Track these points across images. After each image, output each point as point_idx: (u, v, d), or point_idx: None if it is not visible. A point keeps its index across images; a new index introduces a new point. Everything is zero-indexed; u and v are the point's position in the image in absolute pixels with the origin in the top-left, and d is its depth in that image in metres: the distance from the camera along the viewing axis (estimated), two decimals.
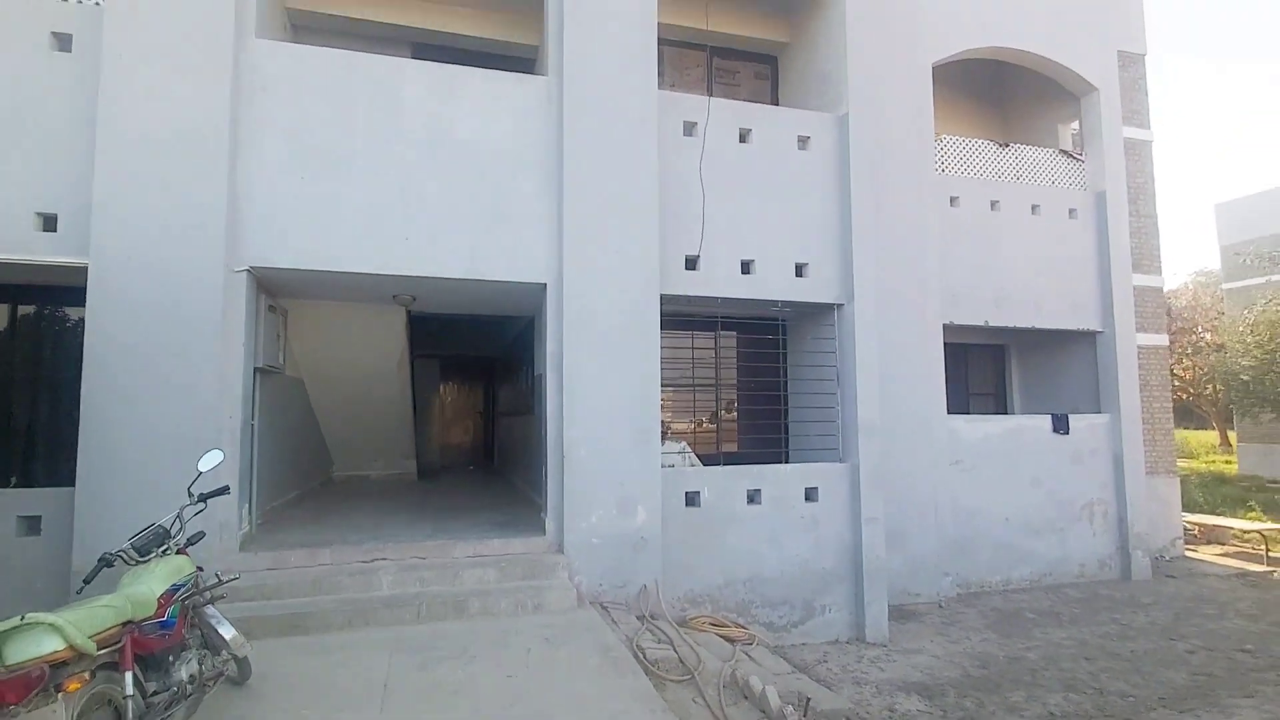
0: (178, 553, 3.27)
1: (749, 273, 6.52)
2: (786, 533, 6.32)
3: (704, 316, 6.95)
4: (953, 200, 8.46)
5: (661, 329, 5.92)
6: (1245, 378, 16.36)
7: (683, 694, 3.99)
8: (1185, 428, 31.84)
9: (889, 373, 7.18)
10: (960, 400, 9.99)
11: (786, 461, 7.04)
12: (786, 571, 6.31)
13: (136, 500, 4.52)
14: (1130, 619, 7.08)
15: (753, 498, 6.27)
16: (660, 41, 6.39)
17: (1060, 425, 8.61)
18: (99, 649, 2.38)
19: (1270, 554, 9.87)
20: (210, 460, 3.57)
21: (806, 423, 7.19)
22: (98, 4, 5.15)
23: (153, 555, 3.14)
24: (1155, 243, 10.52)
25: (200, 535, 3.52)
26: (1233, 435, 22.83)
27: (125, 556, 3.08)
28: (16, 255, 4.82)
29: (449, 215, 5.52)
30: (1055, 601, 7.72)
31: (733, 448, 7.78)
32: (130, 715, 2.48)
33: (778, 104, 8.27)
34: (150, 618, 2.79)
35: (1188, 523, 11.15)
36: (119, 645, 2.52)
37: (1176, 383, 26.34)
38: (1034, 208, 8.84)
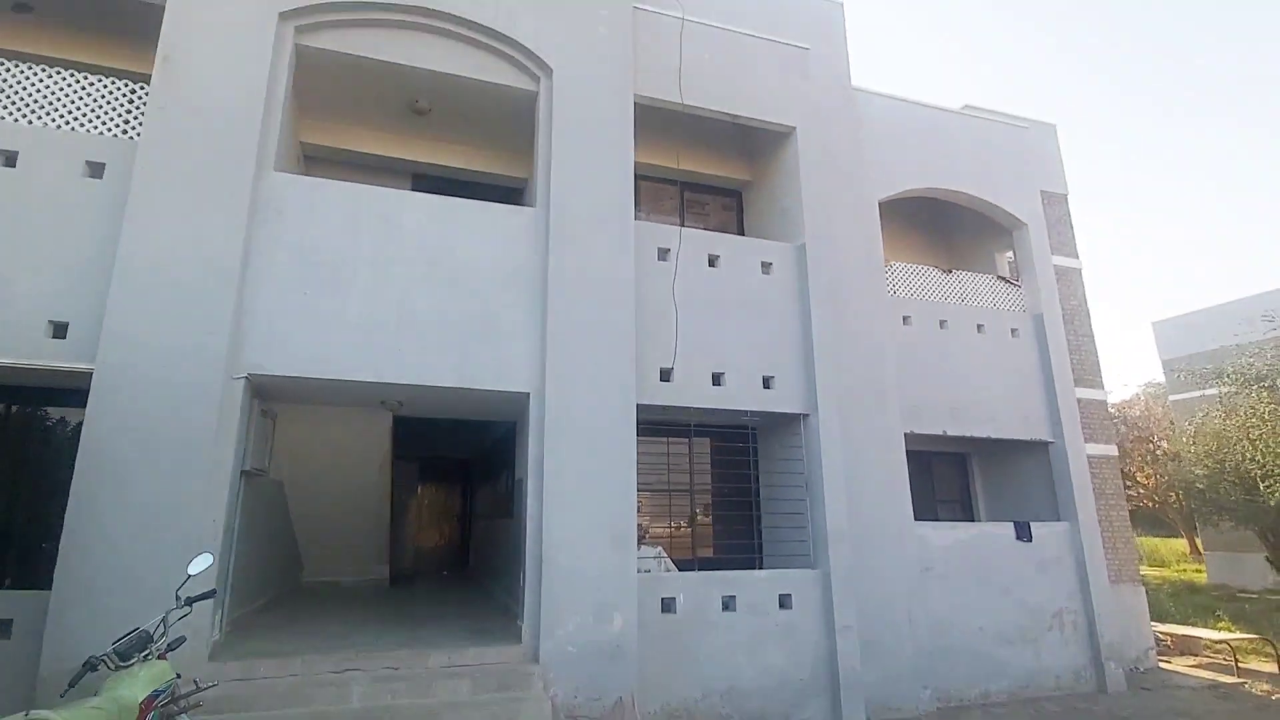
0: (159, 658, 3.32)
1: (720, 384, 6.96)
2: (762, 641, 6.36)
3: (679, 424, 7.31)
4: (905, 319, 9.18)
5: (638, 435, 6.24)
6: (1200, 486, 16.91)
7: None
8: (1156, 535, 32.20)
9: (856, 480, 7.51)
10: (928, 507, 10.27)
11: (761, 567, 7.17)
12: (763, 684, 6.28)
13: (114, 605, 4.52)
14: None
15: (728, 604, 6.35)
16: (637, 177, 7.19)
17: (1023, 533, 8.90)
18: None
19: (1240, 665, 9.94)
20: (200, 564, 3.69)
21: (779, 528, 7.39)
22: (132, 138, 5.73)
23: (134, 660, 3.19)
24: (1095, 359, 11.37)
25: (181, 640, 3.57)
26: (1201, 543, 23.18)
27: (108, 661, 3.13)
28: (25, 360, 5.06)
29: (441, 329, 5.94)
30: (1035, 716, 7.66)
31: (708, 552, 7.89)
32: None
33: (744, 231, 9.12)
34: None
35: (1160, 633, 11.23)
36: None
37: (1141, 490, 26.98)
38: (979, 327, 9.62)
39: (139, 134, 5.68)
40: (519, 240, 6.41)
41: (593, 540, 5.78)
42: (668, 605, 6.16)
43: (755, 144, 8.75)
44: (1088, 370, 11.18)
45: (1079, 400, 10.22)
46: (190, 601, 3.57)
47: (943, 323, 9.46)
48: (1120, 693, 8.58)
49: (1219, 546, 19.85)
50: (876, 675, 7.17)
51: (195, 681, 3.47)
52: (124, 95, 5.83)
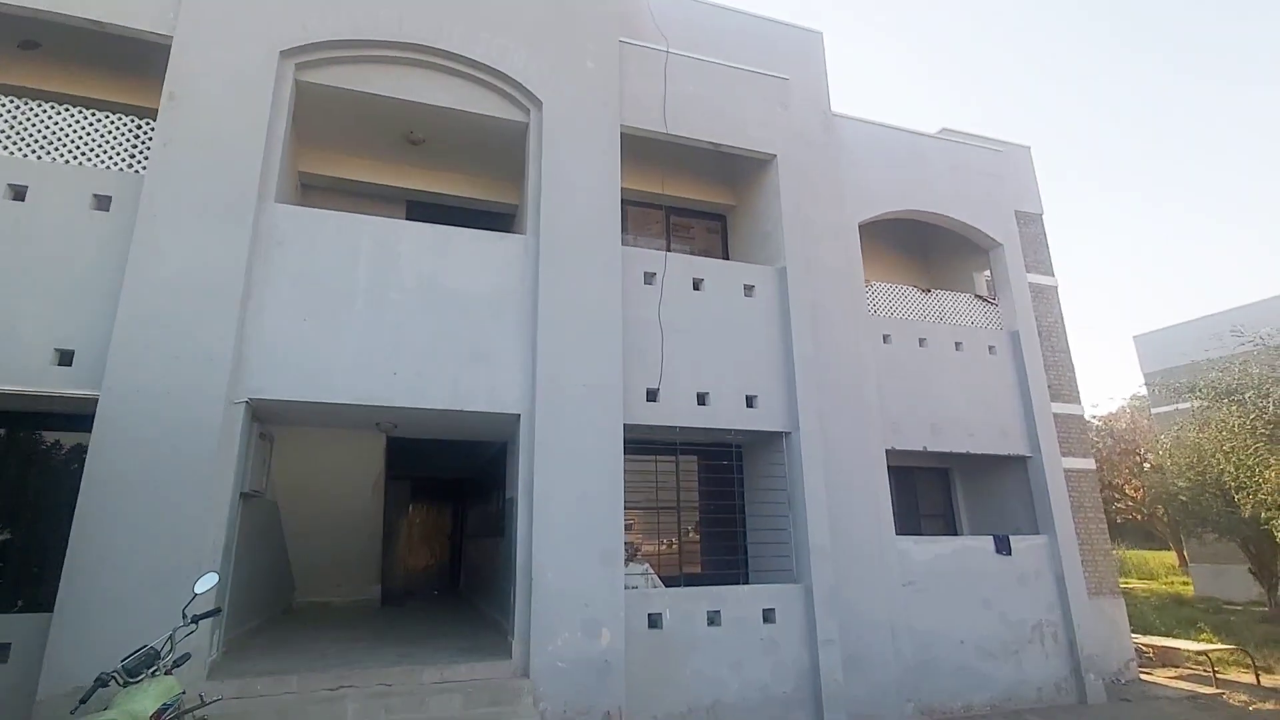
0: (166, 674, 3.48)
1: (705, 404, 7.20)
2: (747, 656, 6.53)
3: (666, 442, 7.52)
4: (885, 338, 9.46)
5: (626, 453, 6.45)
6: (1183, 499, 17.15)
7: None
8: (1146, 548, 32.46)
9: (838, 496, 7.74)
10: (912, 522, 10.50)
11: (746, 582, 7.35)
12: (748, 698, 6.44)
13: (114, 626, 4.66)
14: None
15: (713, 619, 6.53)
16: (624, 202, 7.47)
17: (1002, 546, 9.12)
18: None
19: (1219, 676, 10.16)
20: (206, 583, 3.86)
21: (764, 544, 7.59)
22: (137, 172, 5.96)
23: (143, 676, 3.36)
24: (1071, 374, 11.69)
25: (187, 657, 3.73)
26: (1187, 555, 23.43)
27: (118, 677, 3.29)
28: (31, 387, 5.23)
29: (434, 353, 6.16)
30: None
31: (695, 568, 8.06)
32: None
33: (728, 254, 9.42)
34: None
35: (1141, 645, 11.44)
36: None
37: (1130, 503, 27.26)
38: (958, 345, 9.91)
39: (144, 168, 5.91)
40: (510, 267, 6.65)
41: (581, 558, 5.96)
42: (654, 621, 6.33)
43: (738, 170, 9.07)
44: (1064, 385, 11.49)
45: (1056, 415, 10.51)
46: (197, 619, 3.74)
47: (922, 341, 9.75)
48: (1100, 704, 8.77)
49: (1204, 559, 20.12)
50: (860, 688, 7.34)
51: (200, 696, 3.64)
52: (130, 131, 6.06)
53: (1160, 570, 28.50)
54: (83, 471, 5.01)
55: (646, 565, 7.30)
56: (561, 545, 5.94)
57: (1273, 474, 11.01)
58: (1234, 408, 11.34)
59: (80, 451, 6.19)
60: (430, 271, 6.37)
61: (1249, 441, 11.06)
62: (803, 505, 7.15)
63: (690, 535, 8.37)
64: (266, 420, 6.50)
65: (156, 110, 5.97)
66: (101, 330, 5.35)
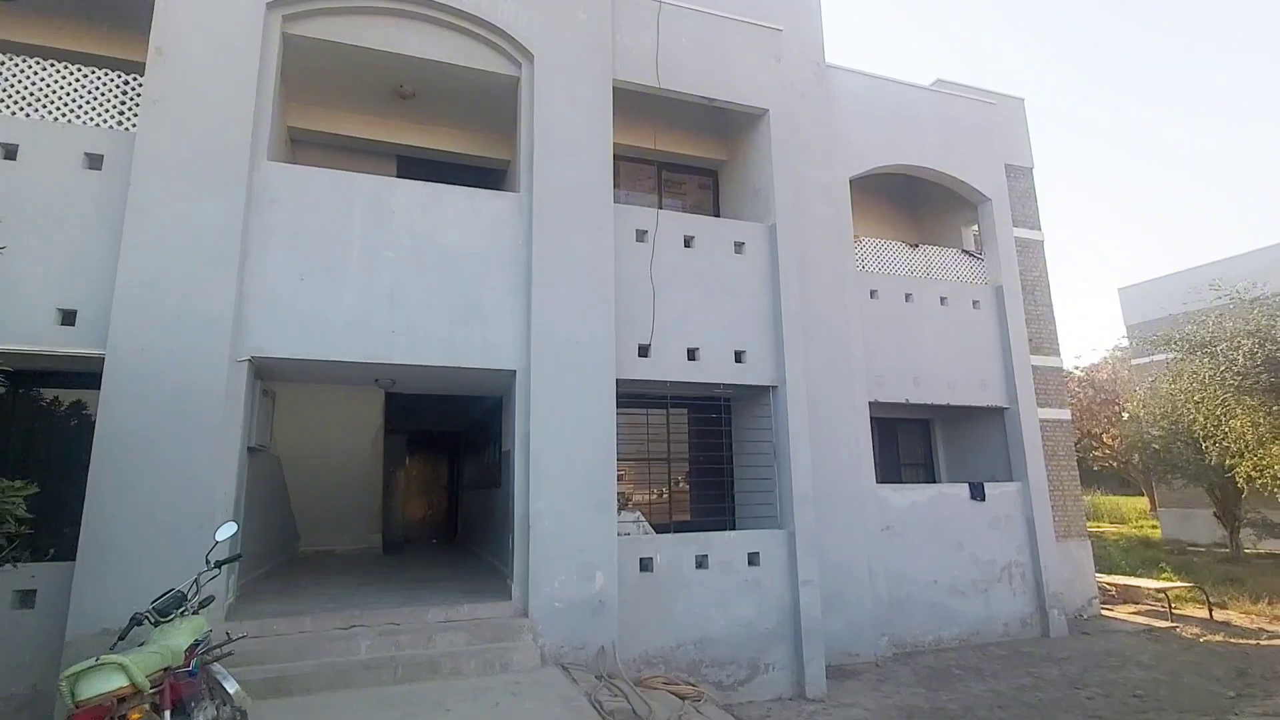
0: (193, 614, 3.76)
1: (694, 359, 7.41)
2: (732, 596, 6.95)
3: (656, 396, 7.77)
4: (873, 293, 9.67)
5: (619, 407, 6.69)
6: (1156, 446, 17.77)
7: None
8: (1122, 494, 33.65)
9: (822, 447, 8.07)
10: (893, 470, 10.94)
11: (733, 529, 7.74)
12: (733, 633, 6.89)
13: (134, 574, 4.92)
14: (1044, 672, 7.81)
15: (701, 563, 6.92)
16: (616, 157, 7.49)
17: (977, 493, 9.57)
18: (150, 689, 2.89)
19: (1175, 611, 10.84)
20: (226, 530, 4.11)
21: (750, 492, 7.95)
22: (127, 129, 5.93)
23: (173, 615, 3.63)
24: (1052, 328, 12.00)
25: (211, 599, 4.00)
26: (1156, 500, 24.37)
27: (150, 617, 3.56)
28: (36, 347, 5.34)
29: (430, 310, 6.29)
30: (981, 659, 8.41)
31: (685, 516, 8.45)
32: None
33: (719, 209, 9.48)
34: (179, 667, 3.28)
35: (1105, 583, 12.12)
36: (161, 688, 3.02)
37: (1107, 451, 28.12)
38: (942, 299, 10.13)
39: (134, 125, 5.88)
40: (503, 224, 6.72)
41: (576, 506, 6.26)
42: (646, 564, 6.70)
43: (730, 124, 9.04)
44: (1045, 339, 11.81)
45: (1035, 368, 10.85)
46: (220, 564, 4.00)
47: (908, 296, 9.96)
48: (1062, 637, 9.40)
49: (1173, 503, 20.98)
50: (838, 625, 7.85)
51: (227, 633, 3.93)
52: (117, 87, 5.99)
53: (1132, 515, 29.63)
54: (93, 427, 5.19)
55: (638, 513, 7.65)
56: (557, 495, 6.23)
57: (1238, 423, 11.48)
58: (1206, 360, 11.71)
59: (80, 407, 6.39)
60: (424, 229, 6.44)
61: (1218, 392, 11.47)
62: (787, 455, 7.47)
63: (680, 485, 8.72)
64: (268, 377, 6.66)
65: (142, 64, 5.90)
66: (103, 290, 5.43)
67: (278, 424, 7.75)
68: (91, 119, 5.89)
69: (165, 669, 3.09)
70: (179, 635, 3.39)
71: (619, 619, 6.19)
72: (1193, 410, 12.36)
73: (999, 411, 10.28)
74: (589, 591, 6.15)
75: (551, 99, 7.02)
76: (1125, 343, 25.28)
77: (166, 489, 5.21)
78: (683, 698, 5.83)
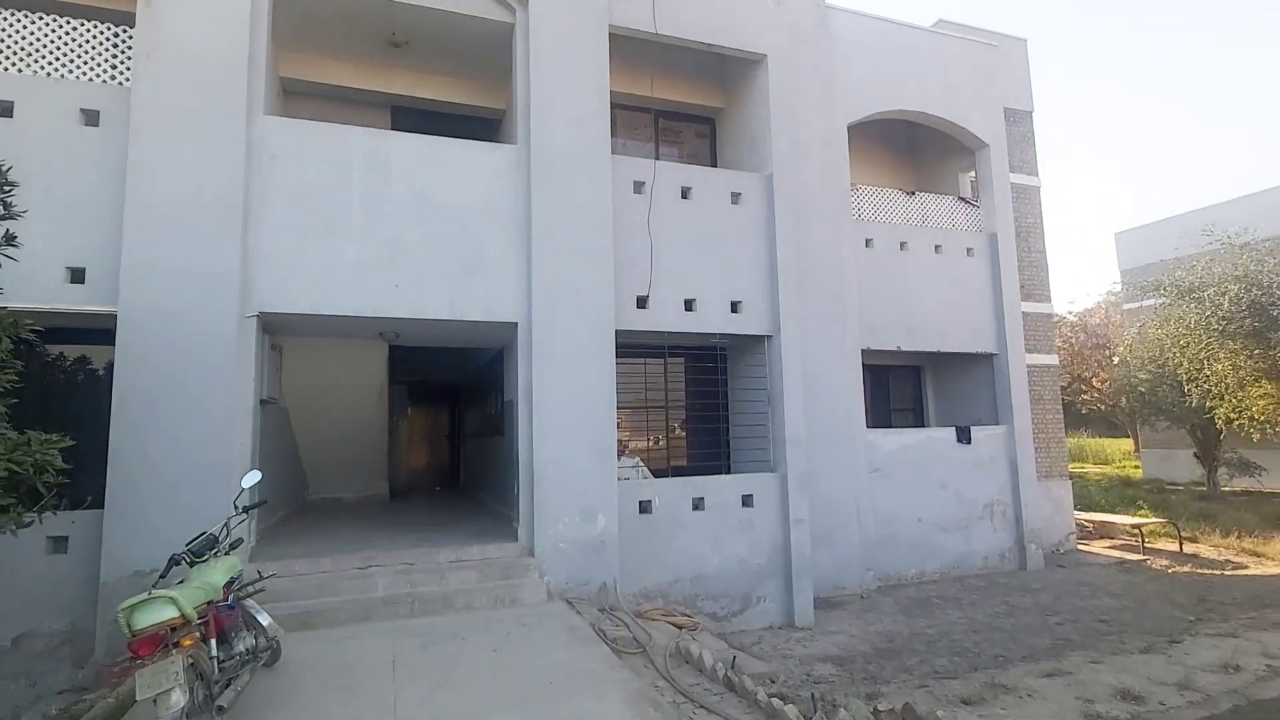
0: (225, 555, 4.04)
1: (691, 310, 7.58)
2: (726, 535, 7.34)
3: (654, 346, 7.97)
4: (868, 242, 9.75)
5: (617, 357, 6.89)
6: (1143, 390, 18.19)
7: (636, 662, 4.90)
8: (1110, 436, 34.45)
9: (815, 393, 8.33)
10: (884, 415, 11.28)
11: (728, 472, 8.08)
12: (727, 569, 7.31)
13: (160, 520, 5.21)
14: (1018, 600, 8.32)
15: (697, 505, 7.27)
16: (613, 105, 7.45)
17: (963, 436, 9.93)
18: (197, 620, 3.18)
19: (1147, 545, 11.40)
20: (251, 478, 4.36)
21: (745, 438, 8.26)
22: (121, 84, 5.89)
23: (207, 556, 3.90)
24: (1045, 275, 12.13)
25: (240, 541, 4.28)
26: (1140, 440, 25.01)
27: (186, 558, 3.83)
28: (48, 304, 5.47)
29: (432, 264, 6.40)
30: (960, 589, 8.93)
31: (682, 461, 8.78)
32: (214, 673, 3.27)
33: (717, 158, 9.45)
34: (219, 602, 3.58)
35: (1084, 520, 12.67)
36: (206, 619, 3.31)
37: (1096, 394, 28.65)
38: (937, 248, 10.23)
39: (128, 80, 5.84)
40: (502, 177, 6.76)
41: (578, 453, 6.54)
42: (645, 507, 7.05)
43: (728, 70, 8.92)
44: (1037, 285, 11.97)
45: (1026, 314, 11.05)
46: (247, 509, 4.26)
47: (903, 244, 10.05)
48: (1038, 569, 9.93)
49: (1155, 444, 21.59)
50: (827, 560, 8.29)
51: (258, 572, 4.23)
52: (108, 39, 5.92)
53: (1116, 456, 30.42)
54: (101, 382, 5.37)
55: (638, 459, 7.96)
56: (559, 442, 6.50)
57: (1220, 366, 11.79)
58: (1192, 305, 11.92)
59: (85, 361, 6.55)
60: (423, 183, 6.47)
61: (1202, 337, 11.73)
62: (781, 402, 7.73)
63: (677, 431, 9.02)
64: (275, 332, 6.81)
65: (128, 14, 5.81)
66: (110, 248, 5.52)
67: (285, 377, 7.95)
68: (85, 74, 5.83)
69: (208, 602, 3.38)
70: (216, 574, 3.67)
71: (620, 557, 6.57)
72: (1178, 354, 12.65)
73: (988, 358, 10.54)
74: (591, 532, 6.50)
75: (546, 46, 6.94)
76: (1119, 287, 25.42)
77: (185, 440, 5.45)
78: (679, 627, 6.25)
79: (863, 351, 9.26)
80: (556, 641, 4.88)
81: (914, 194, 10.58)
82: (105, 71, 5.91)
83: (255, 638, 3.86)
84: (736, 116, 9.03)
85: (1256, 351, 11.22)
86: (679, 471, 8.08)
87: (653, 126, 9.35)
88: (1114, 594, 8.60)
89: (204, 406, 5.52)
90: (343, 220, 6.16)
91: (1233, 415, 12.60)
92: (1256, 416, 12.18)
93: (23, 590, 5.28)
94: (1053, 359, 11.82)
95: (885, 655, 6.33)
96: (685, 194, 7.75)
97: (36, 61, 5.75)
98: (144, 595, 3.02)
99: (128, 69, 5.88)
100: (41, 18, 5.80)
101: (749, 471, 7.89)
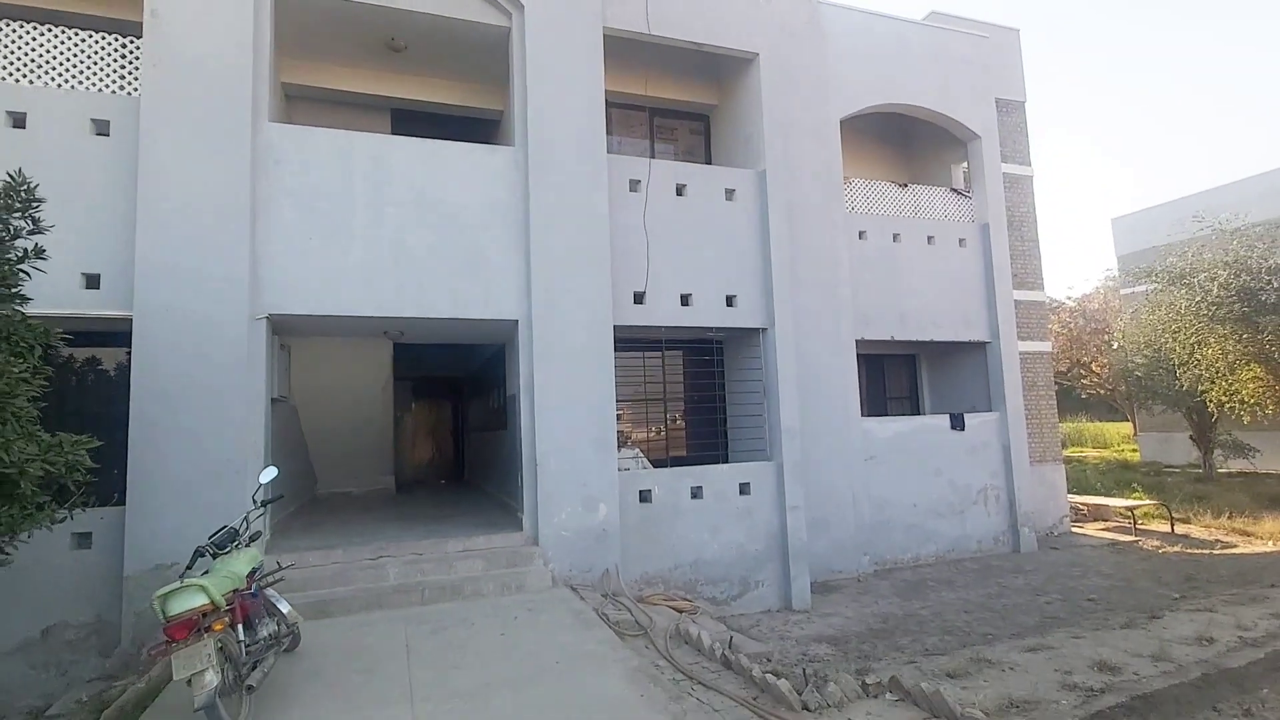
0: (245, 547, 4.26)
1: (688, 304, 7.77)
2: (724, 522, 7.56)
3: (652, 340, 8.17)
4: (861, 234, 9.93)
5: (616, 350, 7.09)
6: (1139, 374, 18.35)
7: (637, 644, 5.13)
8: (1109, 421, 34.62)
9: (810, 383, 8.54)
10: (879, 404, 11.49)
11: (725, 461, 8.30)
12: (725, 555, 7.54)
13: (179, 516, 5.44)
14: (1010, 582, 8.55)
15: (695, 493, 7.50)
16: (608, 104, 7.60)
17: (957, 423, 10.14)
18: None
19: (1139, 527, 11.63)
20: (268, 474, 4.57)
21: (741, 428, 8.48)
22: (129, 94, 6.06)
23: (229, 548, 4.12)
24: (1037, 263, 12.29)
25: (259, 534, 4.50)
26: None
27: (210, 550, 4.05)
28: (64, 309, 5.67)
29: (434, 264, 6.60)
30: (954, 572, 9.16)
31: (681, 451, 9.00)
32: (242, 656, 3.50)
33: (712, 155, 9.61)
34: (243, 590, 3.80)
35: (1078, 503, 12.90)
36: (232, 607, 3.54)
37: (1095, 379, 28.81)
38: (929, 239, 10.40)
39: (136, 90, 6.01)
40: (500, 178, 6.93)
41: (579, 445, 6.76)
42: (645, 496, 7.27)
43: (721, 68, 9.07)
44: (1030, 273, 12.12)
45: (1019, 302, 11.23)
46: (266, 504, 4.48)
47: (896, 236, 10.22)
48: (1031, 552, 10.17)
49: (1152, 428, 21.81)
50: (823, 546, 8.52)
51: (277, 562, 4.45)
52: (116, 51, 6.08)
53: (1115, 440, 30.62)
54: (113, 383, 5.58)
55: (637, 450, 8.18)
56: (561, 435, 6.72)
57: (1210, 351, 11.97)
58: (1182, 291, 12.09)
59: (95, 362, 6.74)
60: (424, 186, 6.65)
61: (1193, 322, 11.91)
62: (776, 393, 7.94)
63: (676, 422, 9.24)
64: (284, 332, 7.02)
65: (131, 24, 5.97)
66: (123, 253, 5.72)
67: (293, 375, 8.16)
68: (95, 84, 6.01)
69: (233, 591, 3.61)
70: (238, 564, 3.89)
71: (621, 545, 6.80)
72: (1170, 340, 12.83)
73: (981, 346, 10.73)
74: (593, 521, 6.72)
75: (542, 50, 7.09)
76: (1115, 273, 25.53)
77: (201, 439, 5.67)
78: (680, 611, 6.48)
79: (858, 342, 9.45)
80: (561, 625, 5.11)
81: (906, 186, 10.74)
82: (114, 82, 6.08)
83: (277, 624, 4.09)
84: (730, 113, 9.18)
85: (1245, 336, 11.40)
86: (678, 461, 8.30)
87: (648, 124, 9.50)
88: (1103, 574, 8.83)
89: (218, 406, 5.74)
90: (347, 223, 6.35)
91: (1224, 399, 12.80)
92: (1246, 400, 12.37)
93: (50, 584, 5.52)
94: (1046, 346, 12.00)
95: (879, 635, 6.57)
96: (680, 191, 7.93)
97: (48, 73, 5.92)
98: (176, 584, 3.24)
99: (136, 79, 6.06)
100: (51, 30, 5.97)
101: (746, 460, 8.10)
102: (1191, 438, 17.85)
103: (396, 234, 6.50)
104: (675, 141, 9.69)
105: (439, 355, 11.32)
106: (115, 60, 6.09)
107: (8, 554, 3.98)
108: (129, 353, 5.69)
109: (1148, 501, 12.57)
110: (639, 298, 7.53)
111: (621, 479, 7.04)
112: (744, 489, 7.70)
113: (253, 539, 4.40)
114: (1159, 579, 8.36)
